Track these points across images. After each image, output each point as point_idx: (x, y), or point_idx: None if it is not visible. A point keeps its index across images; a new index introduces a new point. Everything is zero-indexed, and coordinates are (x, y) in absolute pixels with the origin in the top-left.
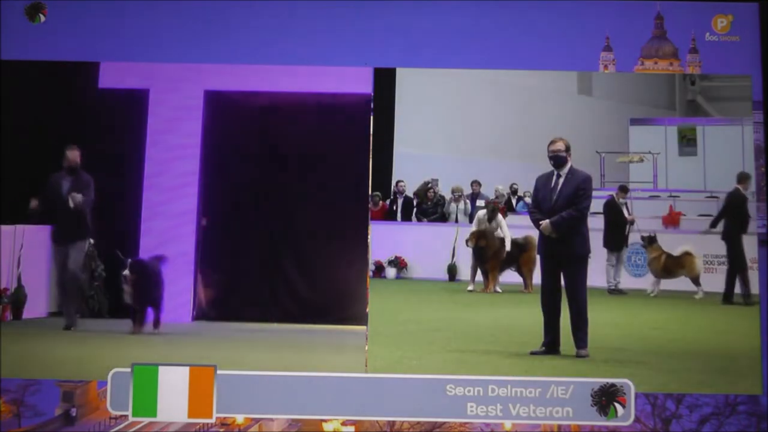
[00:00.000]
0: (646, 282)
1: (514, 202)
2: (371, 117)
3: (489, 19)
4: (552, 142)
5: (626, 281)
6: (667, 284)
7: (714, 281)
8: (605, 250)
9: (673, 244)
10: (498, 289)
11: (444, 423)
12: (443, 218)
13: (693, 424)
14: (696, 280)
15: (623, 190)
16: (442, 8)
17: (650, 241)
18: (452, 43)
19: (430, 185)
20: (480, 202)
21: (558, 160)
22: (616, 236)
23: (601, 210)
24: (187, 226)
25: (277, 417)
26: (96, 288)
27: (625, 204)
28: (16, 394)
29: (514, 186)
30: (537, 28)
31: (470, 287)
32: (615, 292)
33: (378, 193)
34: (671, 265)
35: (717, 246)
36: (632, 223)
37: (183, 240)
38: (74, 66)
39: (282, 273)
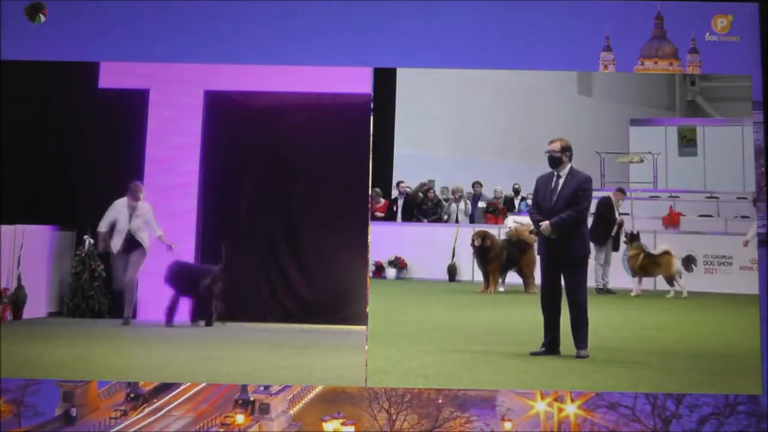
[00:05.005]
0: (647, 282)
1: (516, 202)
2: (371, 117)
3: (489, 19)
4: (550, 142)
5: (626, 280)
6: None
7: (714, 281)
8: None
9: (677, 244)
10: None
11: (444, 423)
12: (443, 219)
13: (693, 424)
14: (670, 281)
15: (621, 191)
16: (442, 8)
17: (632, 238)
18: (452, 43)
19: (426, 186)
20: (481, 203)
21: (552, 161)
22: (602, 229)
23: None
24: (187, 226)
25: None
26: (96, 288)
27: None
28: (16, 394)
29: (516, 186)
30: (537, 28)
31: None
32: (603, 292)
33: (377, 189)
34: (648, 264)
35: (717, 246)
36: (621, 224)
37: (183, 240)
38: (74, 66)
39: (282, 273)
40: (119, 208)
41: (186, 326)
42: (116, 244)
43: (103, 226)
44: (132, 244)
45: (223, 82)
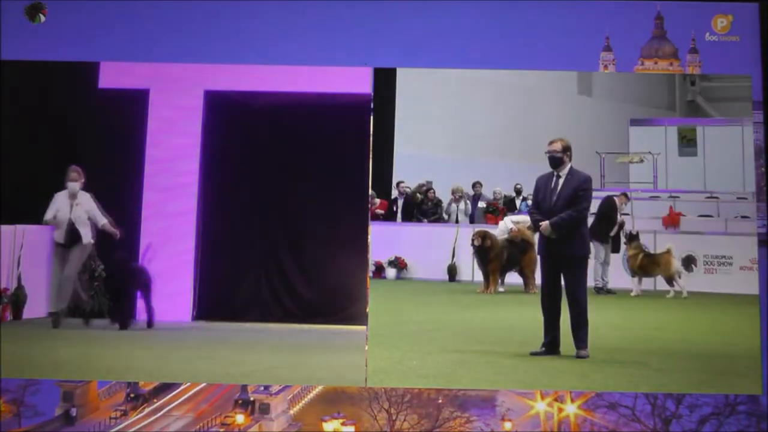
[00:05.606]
0: (647, 282)
1: (518, 202)
2: (371, 117)
3: (489, 19)
4: (550, 143)
5: (626, 280)
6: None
7: (714, 281)
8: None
9: (677, 244)
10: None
11: (444, 423)
12: (442, 219)
13: (693, 424)
14: (670, 281)
15: (625, 196)
16: (442, 8)
17: (631, 238)
18: (452, 43)
19: (425, 187)
20: (481, 203)
21: (553, 161)
22: (603, 227)
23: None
24: (187, 226)
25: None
26: (96, 288)
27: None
28: (16, 394)
29: (518, 186)
30: (537, 28)
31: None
32: (603, 292)
33: (372, 191)
34: (648, 264)
35: (717, 246)
36: (622, 225)
37: (183, 240)
38: (74, 66)
39: (282, 273)
40: (59, 199)
41: (186, 326)
42: (59, 236)
43: (47, 215)
44: (74, 237)
45: (223, 82)
